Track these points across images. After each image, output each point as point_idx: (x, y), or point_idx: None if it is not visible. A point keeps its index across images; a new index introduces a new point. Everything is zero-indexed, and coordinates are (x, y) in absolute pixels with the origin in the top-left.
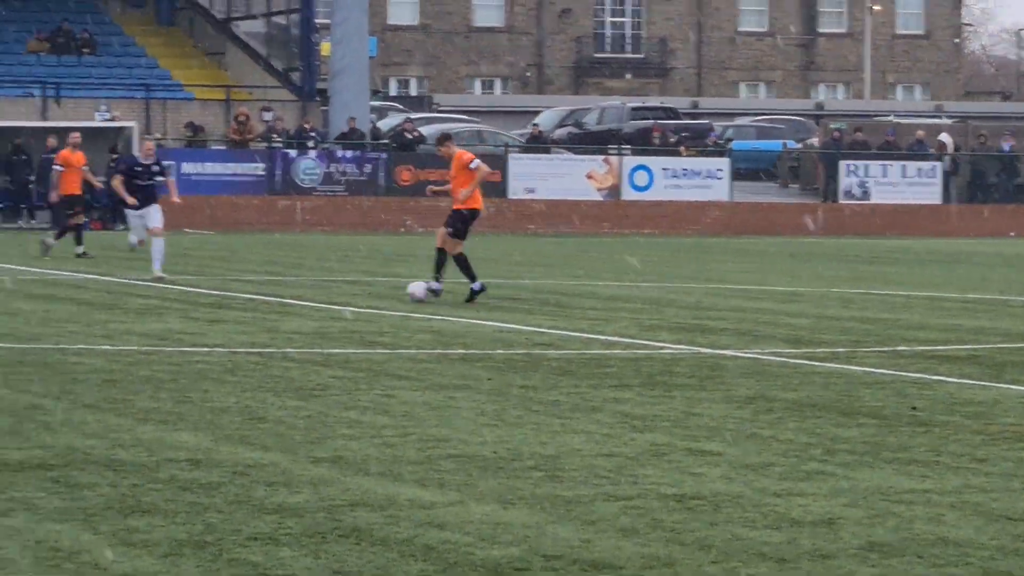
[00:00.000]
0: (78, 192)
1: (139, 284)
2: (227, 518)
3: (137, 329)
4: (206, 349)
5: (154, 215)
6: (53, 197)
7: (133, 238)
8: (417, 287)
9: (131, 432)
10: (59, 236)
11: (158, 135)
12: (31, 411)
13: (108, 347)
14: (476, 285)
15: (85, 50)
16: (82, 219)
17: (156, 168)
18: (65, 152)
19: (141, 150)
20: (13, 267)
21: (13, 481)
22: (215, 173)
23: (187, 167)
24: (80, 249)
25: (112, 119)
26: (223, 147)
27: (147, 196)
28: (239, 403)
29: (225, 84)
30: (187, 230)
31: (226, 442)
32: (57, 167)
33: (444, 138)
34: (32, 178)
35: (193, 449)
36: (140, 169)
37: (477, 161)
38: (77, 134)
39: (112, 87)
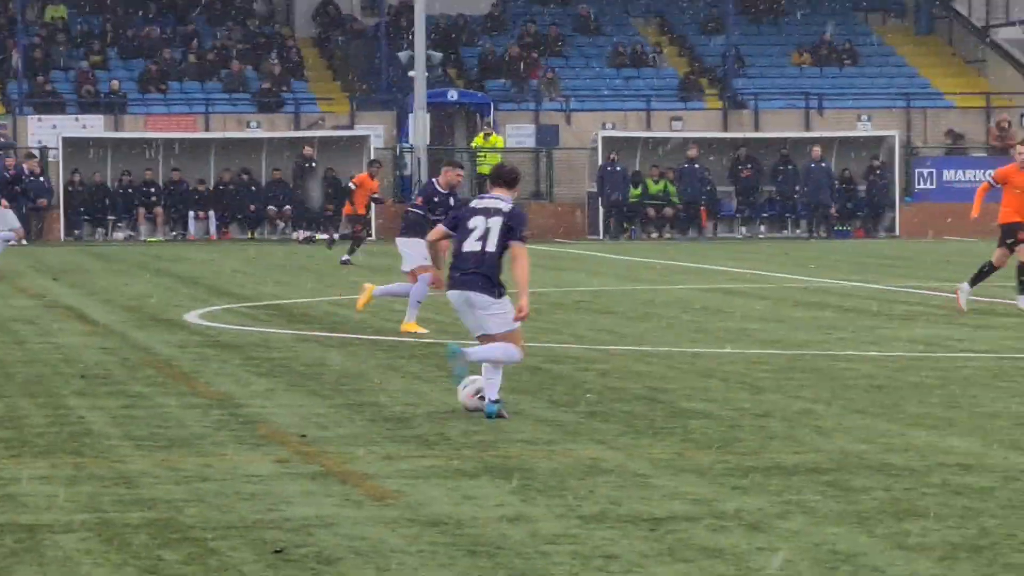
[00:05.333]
0: None
1: (902, 291)
2: (1001, 523)
3: (903, 335)
4: (973, 355)
5: None
6: None
7: None
8: None
9: (901, 437)
10: None
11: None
12: (803, 416)
13: (876, 353)
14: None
15: (847, 61)
16: None
17: None
18: None
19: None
20: (780, 275)
21: (789, 484)
22: (975, 180)
23: (947, 174)
24: None
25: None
26: (983, 154)
27: None
28: (1008, 408)
29: (985, 91)
30: (945, 237)
31: (997, 447)
32: None
33: None
34: (796, 188)
35: (963, 454)
36: None
37: None
38: None
39: (873, 96)
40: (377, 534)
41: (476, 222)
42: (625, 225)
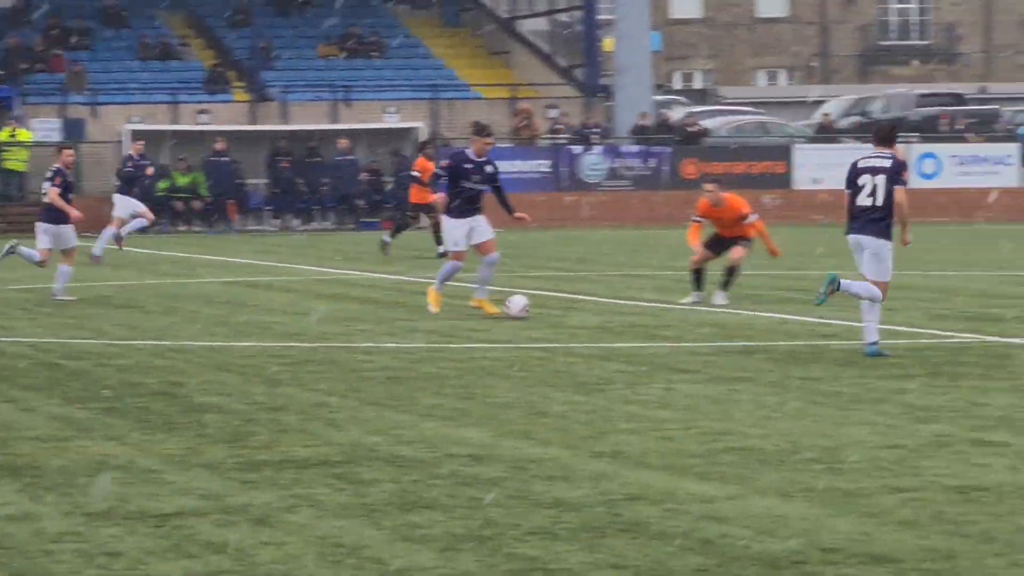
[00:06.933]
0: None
1: (424, 281)
2: (506, 513)
3: (423, 326)
4: (491, 345)
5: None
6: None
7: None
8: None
9: (415, 428)
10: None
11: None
12: (318, 408)
13: (394, 344)
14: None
15: (373, 53)
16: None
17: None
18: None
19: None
20: (306, 267)
21: (299, 478)
22: (502, 171)
23: None
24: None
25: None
26: (509, 145)
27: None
28: (522, 398)
29: (510, 83)
30: None
31: (507, 437)
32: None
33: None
34: (325, 180)
35: (475, 445)
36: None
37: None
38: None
39: (400, 88)
40: None
41: (864, 180)
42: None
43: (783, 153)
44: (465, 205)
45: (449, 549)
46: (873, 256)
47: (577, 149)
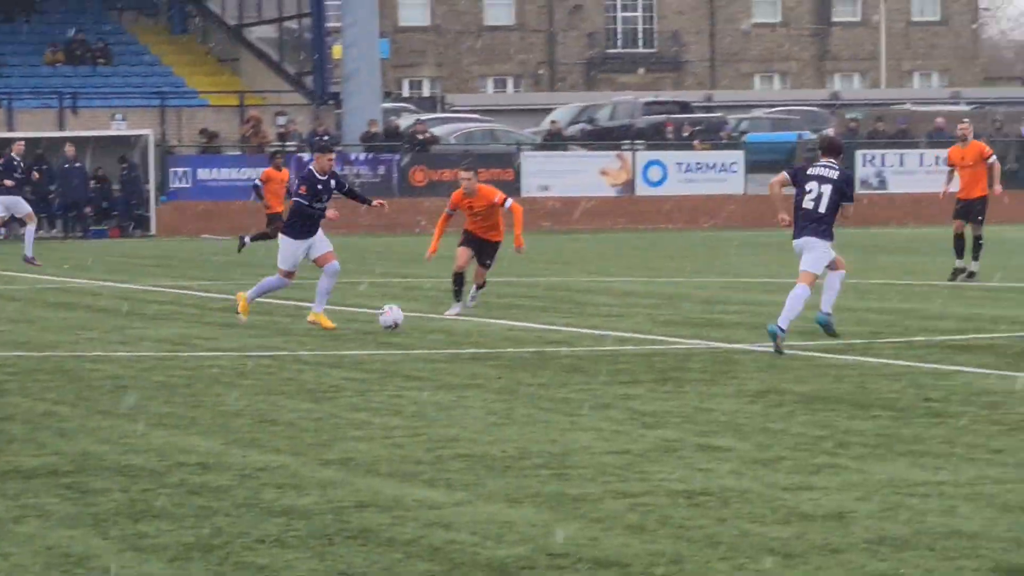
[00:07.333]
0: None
1: (154, 290)
2: (235, 521)
3: (152, 335)
4: (220, 353)
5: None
6: None
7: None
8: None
9: (144, 437)
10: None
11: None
12: (46, 418)
13: (124, 353)
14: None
15: (100, 60)
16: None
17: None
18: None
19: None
20: (33, 276)
21: (27, 488)
22: (230, 178)
23: (202, 173)
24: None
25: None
26: (238, 152)
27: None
28: (251, 406)
29: (239, 90)
30: (204, 236)
31: (236, 446)
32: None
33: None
34: (52, 187)
35: (204, 453)
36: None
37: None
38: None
39: (128, 95)
40: None
41: (811, 186)
42: None
43: (511, 160)
44: (309, 224)
45: (178, 559)
46: (811, 251)
47: (306, 156)
